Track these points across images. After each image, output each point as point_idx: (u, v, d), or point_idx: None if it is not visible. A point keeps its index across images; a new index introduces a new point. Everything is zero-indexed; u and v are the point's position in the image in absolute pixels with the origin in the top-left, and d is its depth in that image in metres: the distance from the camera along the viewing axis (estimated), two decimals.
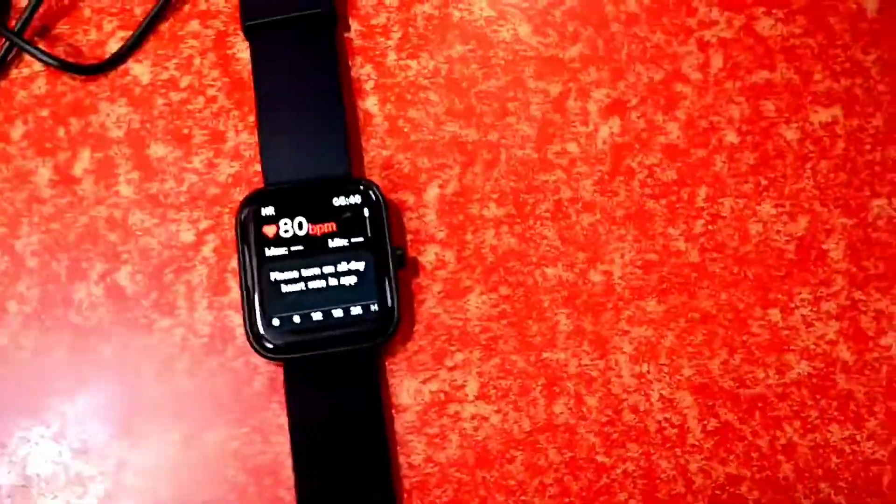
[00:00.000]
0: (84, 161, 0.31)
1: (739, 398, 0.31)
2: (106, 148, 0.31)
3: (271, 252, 0.30)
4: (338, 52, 0.31)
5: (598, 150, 0.32)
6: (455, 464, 0.30)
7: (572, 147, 0.32)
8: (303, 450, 0.28)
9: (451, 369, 0.30)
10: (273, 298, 0.29)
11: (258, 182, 0.31)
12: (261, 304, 0.29)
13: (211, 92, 0.32)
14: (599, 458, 0.30)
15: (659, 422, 0.30)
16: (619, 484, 0.30)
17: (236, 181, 0.31)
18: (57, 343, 0.30)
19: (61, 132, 0.31)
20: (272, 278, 0.29)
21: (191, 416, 0.29)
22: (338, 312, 0.29)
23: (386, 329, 0.30)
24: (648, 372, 0.31)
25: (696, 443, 0.30)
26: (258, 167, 0.31)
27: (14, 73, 0.32)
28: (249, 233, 0.30)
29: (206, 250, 0.30)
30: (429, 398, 0.30)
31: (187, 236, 0.31)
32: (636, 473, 0.30)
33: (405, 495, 0.29)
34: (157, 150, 0.31)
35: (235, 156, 0.31)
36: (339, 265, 0.29)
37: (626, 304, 0.31)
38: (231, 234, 0.31)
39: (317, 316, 0.29)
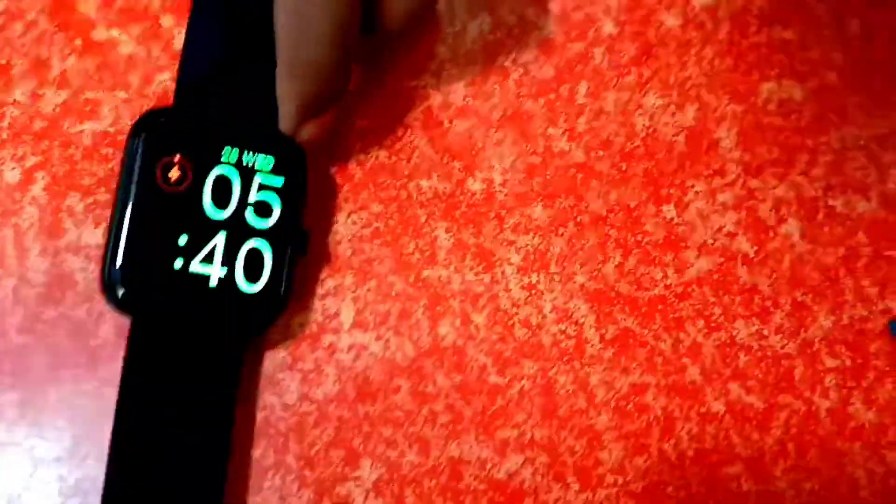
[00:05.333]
0: None
1: (638, 301, 0.30)
2: None
3: (164, 194, 0.27)
4: None
5: (467, 50, 0.31)
6: (334, 399, 0.29)
7: (440, 49, 0.32)
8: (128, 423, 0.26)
9: (321, 297, 0.29)
10: (150, 247, 0.26)
11: (90, 111, 0.30)
12: (131, 247, 0.26)
13: (29, 16, 0.30)
14: (492, 379, 0.29)
15: (554, 334, 0.30)
16: (516, 404, 0.29)
17: (65, 111, 0.29)
18: None
19: None
20: (157, 226, 0.26)
21: (29, 373, 0.28)
22: (215, 286, 0.27)
23: (263, 323, 0.28)
24: (539, 282, 0.30)
25: (596, 353, 0.30)
26: (90, 94, 0.30)
27: None
28: (141, 166, 0.27)
29: (36, 189, 0.29)
30: (299, 331, 0.29)
31: (12, 176, 0.29)
32: (533, 392, 0.29)
33: (281, 439, 0.28)
34: None
35: (63, 84, 0.30)
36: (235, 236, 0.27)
37: (509, 213, 0.31)
38: (63, 170, 0.29)
39: (193, 283, 0.27)
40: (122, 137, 0.29)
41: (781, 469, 0.30)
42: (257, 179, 0.28)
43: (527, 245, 0.31)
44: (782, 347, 0.31)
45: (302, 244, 0.28)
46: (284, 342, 0.29)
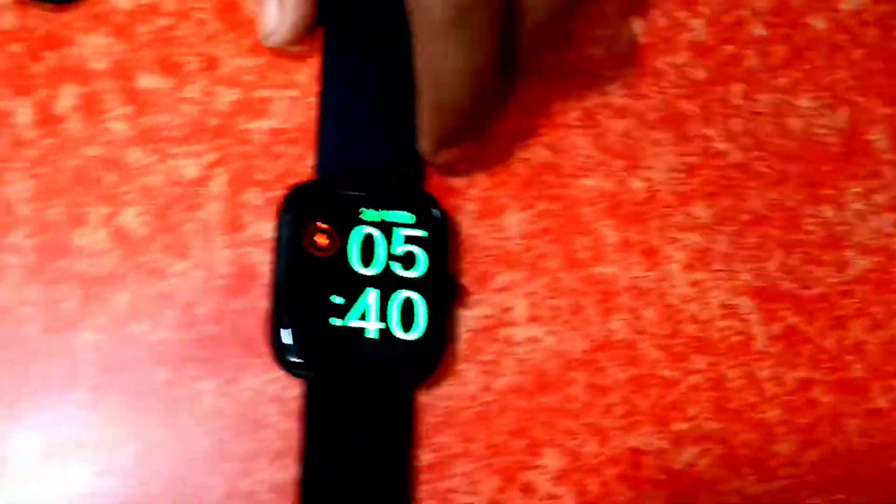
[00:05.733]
0: (67, 98, 0.39)
1: (801, 299, 0.40)
2: (90, 82, 0.38)
3: (315, 259, 0.36)
4: None
5: (622, 52, 0.41)
6: (514, 390, 0.38)
7: (595, 51, 0.41)
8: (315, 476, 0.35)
9: (496, 292, 0.39)
10: (309, 310, 0.35)
11: (262, 108, 0.39)
12: (292, 313, 0.35)
13: (199, 15, 0.40)
14: (665, 373, 0.38)
15: (722, 330, 0.39)
16: (689, 397, 0.38)
17: (238, 109, 0.39)
18: (66, 295, 0.37)
19: (37, 68, 0.39)
20: (313, 289, 0.35)
21: (222, 362, 0.37)
22: (376, 338, 0.36)
23: (428, 367, 0.36)
24: (704, 279, 0.40)
25: (763, 349, 0.39)
26: (261, 93, 0.39)
27: None
28: (291, 237, 0.36)
29: (215, 185, 0.38)
30: (477, 324, 0.38)
31: (192, 171, 0.38)
32: (705, 386, 0.38)
33: (466, 428, 0.37)
34: (147, 81, 0.39)
35: (234, 82, 0.39)
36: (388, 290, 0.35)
37: (672, 211, 0.40)
38: (241, 166, 0.38)
39: (355, 338, 0.35)
40: (294, 135, 0.38)
41: None
42: (401, 234, 0.37)
43: (691, 243, 0.40)
44: None
45: (452, 290, 0.38)
46: (464, 335, 0.38)
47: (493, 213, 0.38)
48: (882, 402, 0.37)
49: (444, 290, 0.37)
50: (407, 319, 0.36)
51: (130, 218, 0.36)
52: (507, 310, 0.37)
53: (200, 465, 0.35)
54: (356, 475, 0.36)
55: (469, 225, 0.38)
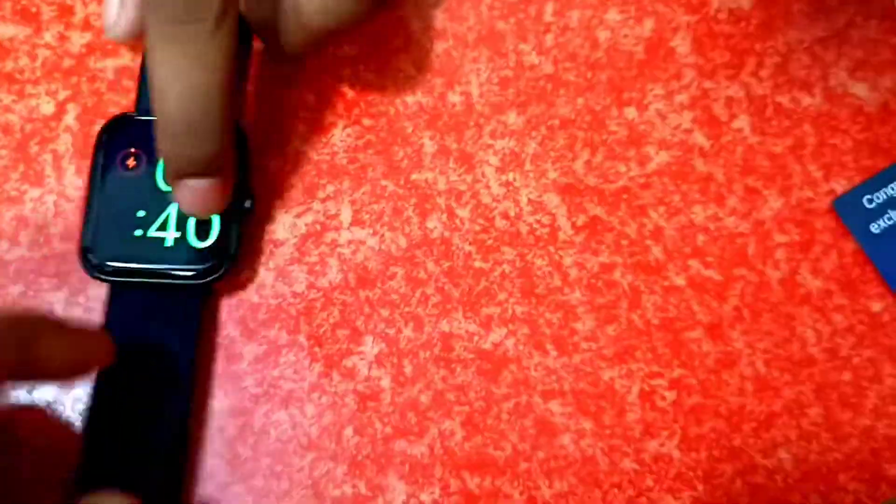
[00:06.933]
0: None
1: (605, 193, 0.44)
2: None
3: (124, 177, 0.40)
4: None
5: None
6: (337, 287, 0.43)
7: None
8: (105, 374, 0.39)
9: (323, 201, 0.43)
10: (113, 222, 0.40)
11: (112, 50, 0.44)
12: (99, 223, 0.40)
13: None
14: (476, 264, 0.43)
15: (530, 224, 0.44)
16: (498, 285, 0.43)
17: (90, 50, 0.44)
18: None
19: None
20: (119, 204, 0.39)
21: (71, 275, 0.42)
22: (172, 246, 0.40)
23: (217, 271, 0.40)
24: (515, 180, 0.44)
25: (568, 238, 0.44)
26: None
27: None
28: (104, 158, 0.39)
29: (69, 119, 0.43)
30: (304, 230, 0.43)
31: (47, 108, 0.43)
32: (513, 274, 0.43)
33: (292, 322, 0.42)
34: (7, 30, 0.44)
35: (86, 27, 0.44)
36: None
37: (486, 121, 0.44)
38: (92, 102, 0.43)
39: (154, 246, 0.40)
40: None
41: (738, 332, 0.44)
42: None
43: (503, 148, 0.45)
44: (736, 227, 0.45)
45: (243, 209, 0.39)
46: (292, 240, 0.43)
47: (322, 132, 0.43)
48: (678, 281, 0.42)
49: (236, 208, 0.40)
50: (202, 232, 0.40)
51: None
52: (332, 216, 0.42)
53: None
54: (142, 372, 0.40)
55: (298, 144, 0.43)
